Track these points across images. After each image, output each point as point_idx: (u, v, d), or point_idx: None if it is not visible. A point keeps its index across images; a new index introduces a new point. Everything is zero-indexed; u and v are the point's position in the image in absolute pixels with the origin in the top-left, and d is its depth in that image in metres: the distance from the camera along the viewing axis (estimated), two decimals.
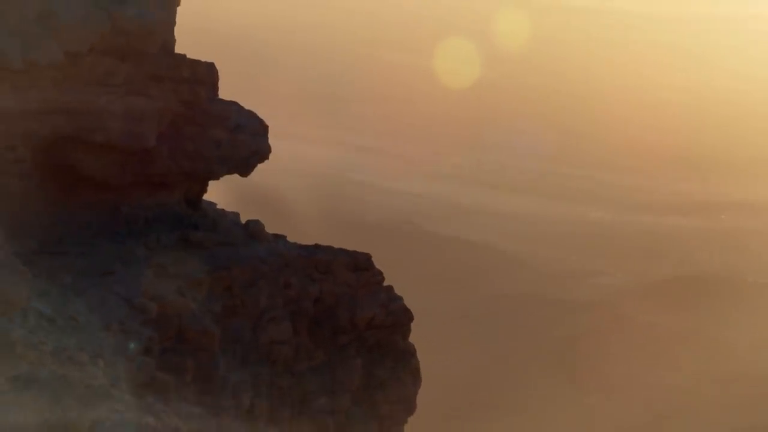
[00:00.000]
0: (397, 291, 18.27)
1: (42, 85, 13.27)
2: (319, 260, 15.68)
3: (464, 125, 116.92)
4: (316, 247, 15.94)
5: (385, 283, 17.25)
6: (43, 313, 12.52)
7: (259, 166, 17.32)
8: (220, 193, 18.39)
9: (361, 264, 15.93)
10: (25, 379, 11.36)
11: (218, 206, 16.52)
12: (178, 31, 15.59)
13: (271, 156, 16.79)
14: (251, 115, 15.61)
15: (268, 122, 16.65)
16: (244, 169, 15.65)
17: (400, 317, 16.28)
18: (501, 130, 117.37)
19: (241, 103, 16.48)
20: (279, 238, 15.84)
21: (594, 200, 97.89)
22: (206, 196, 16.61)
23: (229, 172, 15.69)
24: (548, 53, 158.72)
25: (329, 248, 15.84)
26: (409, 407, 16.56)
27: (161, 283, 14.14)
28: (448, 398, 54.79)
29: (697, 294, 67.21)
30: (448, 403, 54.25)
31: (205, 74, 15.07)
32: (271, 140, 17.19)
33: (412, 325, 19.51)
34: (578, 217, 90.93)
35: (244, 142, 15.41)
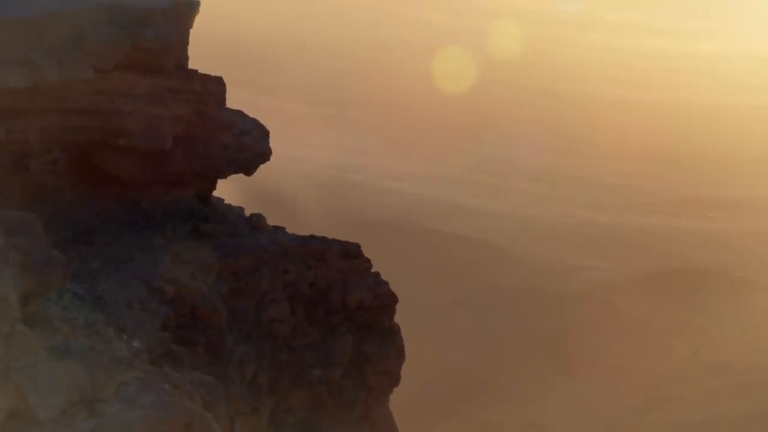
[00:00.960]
0: (398, 283, 19.02)
1: (74, 97, 14.07)
2: (314, 249, 16.45)
3: (461, 129, 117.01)
4: (312, 237, 16.71)
5: (386, 276, 17.99)
6: (75, 293, 13.08)
7: (267, 166, 17.82)
8: (230, 190, 18.85)
9: (351, 252, 16.71)
10: (60, 349, 11.88)
11: (226, 202, 17.17)
12: (195, 42, 16.17)
13: (277, 157, 17.59)
14: (254, 122, 16.42)
15: (274, 124, 17.53)
16: (248, 170, 16.44)
17: (386, 300, 17.02)
18: (496, 133, 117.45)
19: (251, 106, 17.38)
20: (279, 229, 16.61)
21: (586, 199, 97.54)
22: (215, 193, 17.25)
23: (235, 172, 16.44)
24: (540, 61, 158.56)
25: (323, 238, 16.64)
26: (394, 379, 17.41)
27: (176, 268, 14.71)
28: (445, 383, 53.90)
29: (685, 287, 66.74)
30: (445, 387, 53.47)
31: (214, 87, 15.92)
32: (277, 142, 17.99)
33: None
34: (570, 215, 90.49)
35: (248, 145, 16.18)
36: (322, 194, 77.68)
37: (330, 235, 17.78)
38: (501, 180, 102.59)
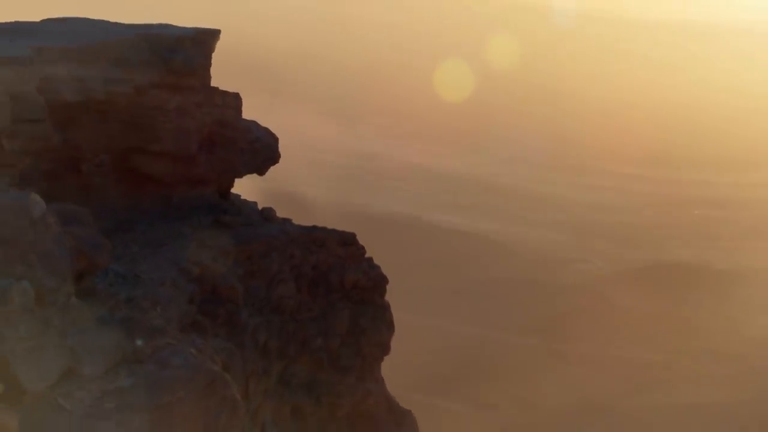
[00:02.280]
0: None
1: (117, 111, 14.97)
2: (317, 237, 17.10)
3: (461, 133, 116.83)
4: (314, 227, 17.36)
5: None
6: (118, 272, 13.53)
7: (284, 167, 18.46)
8: (251, 188, 19.59)
9: (348, 240, 17.44)
10: (105, 318, 12.41)
11: (242, 197, 17.83)
12: (220, 57, 16.90)
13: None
14: (266, 130, 17.26)
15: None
16: (260, 170, 17.28)
17: (378, 281, 17.68)
18: (493, 137, 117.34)
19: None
20: (286, 220, 17.30)
21: (578, 197, 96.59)
22: (233, 190, 17.94)
23: (250, 172, 17.25)
24: (534, 70, 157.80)
25: (324, 228, 17.32)
26: (385, 349, 18.04)
27: (201, 252, 15.14)
28: (446, 365, 54.19)
29: (670, 279, 67.15)
30: (446, 368, 53.82)
31: (232, 101, 16.71)
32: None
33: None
34: (564, 212, 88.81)
35: (260, 150, 17.00)
36: (333, 192, 78.02)
37: (340, 229, 18.16)
38: (498, 179, 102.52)
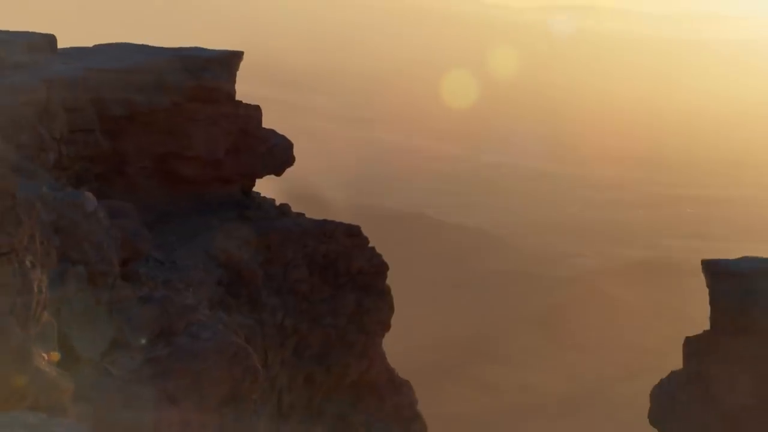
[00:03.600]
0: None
1: (158, 121, 15.88)
2: (326, 229, 17.64)
3: (465, 137, 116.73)
4: (325, 220, 17.95)
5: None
6: (156, 258, 14.20)
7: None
8: (273, 188, 19.81)
9: (354, 232, 17.96)
10: (146, 297, 12.98)
11: (262, 195, 18.34)
12: (247, 70, 17.55)
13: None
14: (282, 137, 17.88)
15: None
16: (278, 172, 17.91)
17: (380, 267, 18.21)
18: (495, 140, 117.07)
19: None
20: (300, 215, 17.90)
21: (574, 196, 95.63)
22: (255, 189, 18.52)
23: (268, 174, 17.90)
24: (533, 78, 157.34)
25: (333, 221, 17.91)
26: (385, 327, 18.55)
27: (227, 242, 15.74)
28: (450, 350, 53.84)
29: (662, 274, 66.16)
30: (450, 353, 53.47)
31: (254, 112, 17.40)
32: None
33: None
34: (561, 209, 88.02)
35: (277, 154, 17.66)
36: (347, 192, 77.78)
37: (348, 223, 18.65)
38: (499, 179, 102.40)
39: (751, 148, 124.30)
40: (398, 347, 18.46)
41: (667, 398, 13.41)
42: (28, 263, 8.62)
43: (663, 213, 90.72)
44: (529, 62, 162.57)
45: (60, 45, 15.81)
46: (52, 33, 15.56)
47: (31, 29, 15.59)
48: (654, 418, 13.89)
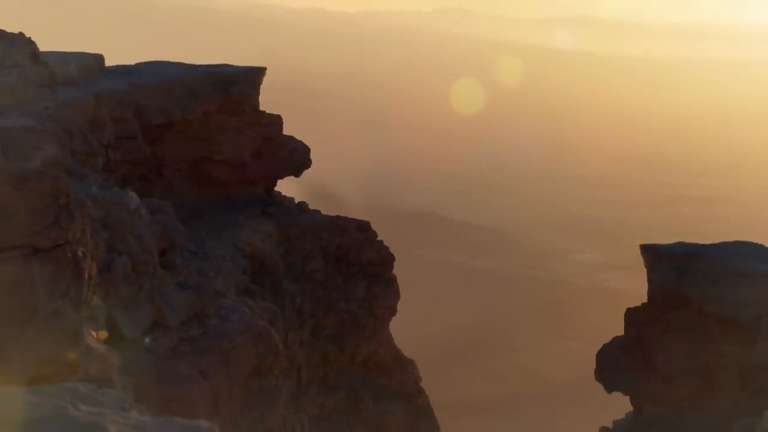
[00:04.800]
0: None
1: (191, 129, 16.60)
2: (340, 224, 18.28)
3: (472, 141, 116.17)
4: (338, 216, 18.58)
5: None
6: (190, 249, 14.77)
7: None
8: (294, 188, 20.35)
9: (364, 227, 18.57)
10: (182, 284, 13.57)
11: (282, 194, 18.94)
12: (270, 79, 18.09)
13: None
14: (300, 143, 18.57)
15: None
16: (297, 173, 18.57)
17: (387, 258, 18.76)
18: (501, 144, 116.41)
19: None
20: (316, 211, 18.50)
21: (576, 196, 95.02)
22: (276, 189, 19.14)
23: (288, 175, 18.50)
24: (537, 86, 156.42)
25: (345, 217, 18.53)
26: (392, 312, 19.08)
27: (252, 235, 16.39)
28: (458, 340, 53.38)
29: None
30: (458, 343, 53.11)
31: (276, 121, 18.04)
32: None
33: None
34: (563, 208, 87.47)
35: (296, 158, 18.31)
36: (362, 191, 77.46)
37: (360, 219, 19.07)
38: (505, 180, 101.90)
39: (746, 151, 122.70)
40: (410, 335, 18.74)
41: (611, 360, 14.17)
42: (80, 254, 9.08)
43: (661, 212, 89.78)
44: (532, 71, 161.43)
45: (107, 63, 16.43)
46: (100, 53, 16.25)
47: (82, 50, 16.24)
48: (600, 376, 14.65)
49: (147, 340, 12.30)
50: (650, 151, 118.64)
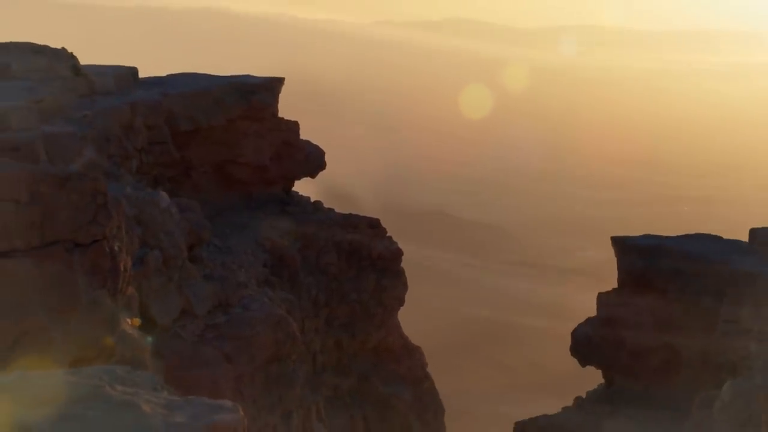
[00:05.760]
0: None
1: (216, 135, 17.04)
2: (352, 221, 18.62)
3: (480, 144, 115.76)
4: (350, 214, 18.87)
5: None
6: (215, 244, 14.96)
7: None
8: (312, 189, 20.68)
9: (374, 224, 18.89)
10: (208, 275, 13.89)
11: (299, 193, 19.25)
12: (291, 86, 18.56)
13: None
14: (316, 147, 18.94)
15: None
16: (313, 175, 18.93)
17: (396, 253, 18.96)
18: (507, 146, 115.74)
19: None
20: (330, 210, 18.86)
21: (579, 195, 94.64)
22: (294, 189, 19.49)
23: (305, 176, 18.90)
24: (541, 92, 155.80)
25: (357, 215, 18.87)
26: (401, 302, 19.33)
27: (271, 231, 16.66)
28: (468, 332, 52.88)
29: None
30: (468, 335, 52.65)
31: (293, 126, 18.45)
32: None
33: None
34: (566, 208, 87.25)
35: (312, 161, 18.70)
36: (375, 192, 77.65)
37: (384, 222, 19.30)
38: (510, 181, 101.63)
39: (746, 151, 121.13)
40: (421, 328, 18.95)
41: (584, 337, 14.65)
42: (116, 248, 9.40)
43: (661, 211, 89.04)
44: (537, 77, 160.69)
45: (141, 75, 16.94)
46: (134, 66, 16.78)
47: (118, 63, 16.73)
48: (575, 352, 15.38)
49: (176, 326, 12.65)
50: (650, 152, 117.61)
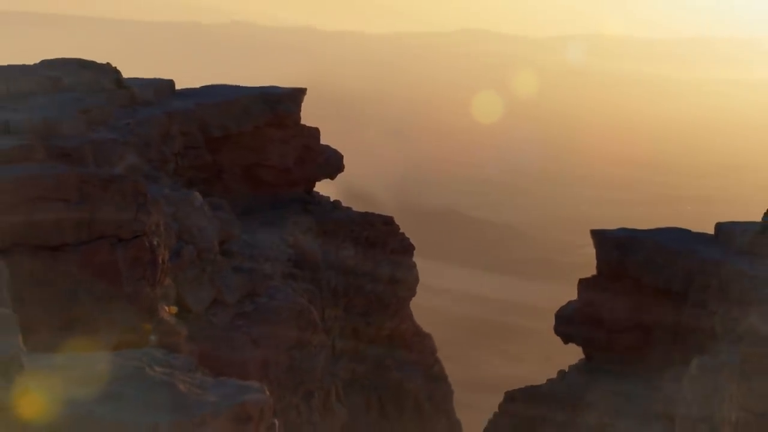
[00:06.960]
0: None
1: (244, 140, 17.38)
2: (368, 219, 18.85)
3: (491, 147, 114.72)
4: (366, 213, 19.08)
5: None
6: (244, 239, 15.07)
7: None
8: (333, 189, 20.84)
9: (388, 221, 19.12)
10: (237, 267, 14.09)
11: (320, 193, 19.53)
12: (312, 94, 18.67)
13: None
14: (334, 151, 19.23)
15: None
16: (332, 177, 19.23)
17: (408, 248, 19.27)
18: (516, 149, 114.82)
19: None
20: (348, 208, 19.14)
21: (584, 195, 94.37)
22: (315, 189, 19.70)
23: (325, 178, 19.20)
24: (549, 97, 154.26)
25: (373, 213, 19.05)
26: (412, 293, 19.58)
27: (294, 228, 17.04)
28: (481, 325, 52.61)
29: None
30: (481, 327, 52.39)
31: (314, 132, 18.77)
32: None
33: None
34: (571, 207, 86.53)
35: (331, 164, 19.04)
36: (391, 192, 77.61)
37: (400, 220, 19.53)
38: (520, 181, 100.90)
39: (745, 152, 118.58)
40: (434, 320, 19.09)
41: (567, 317, 14.96)
42: (155, 243, 9.76)
43: (663, 210, 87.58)
44: (545, 84, 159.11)
45: (177, 87, 17.44)
46: (171, 78, 17.30)
47: (157, 76, 17.28)
48: (558, 330, 15.86)
49: (209, 314, 12.95)
50: (652, 153, 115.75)
